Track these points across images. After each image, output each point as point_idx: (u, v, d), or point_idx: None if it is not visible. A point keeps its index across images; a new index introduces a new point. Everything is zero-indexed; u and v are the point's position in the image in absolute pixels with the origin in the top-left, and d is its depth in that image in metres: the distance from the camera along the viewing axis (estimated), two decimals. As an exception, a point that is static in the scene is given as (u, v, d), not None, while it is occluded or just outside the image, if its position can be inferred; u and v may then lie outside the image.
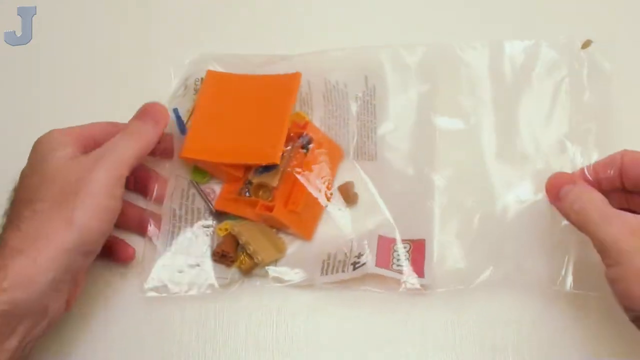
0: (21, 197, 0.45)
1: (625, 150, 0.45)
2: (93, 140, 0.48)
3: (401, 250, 0.51)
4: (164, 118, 0.50)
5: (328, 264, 0.51)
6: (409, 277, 0.50)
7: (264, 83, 0.54)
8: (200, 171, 0.54)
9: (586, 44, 0.54)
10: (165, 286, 0.51)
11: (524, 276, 0.50)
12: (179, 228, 0.52)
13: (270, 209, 0.51)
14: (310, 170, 0.52)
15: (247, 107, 0.53)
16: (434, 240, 0.51)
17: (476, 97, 0.55)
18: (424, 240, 0.51)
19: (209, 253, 0.52)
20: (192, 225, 0.53)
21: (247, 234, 0.51)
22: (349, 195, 0.54)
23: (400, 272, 0.50)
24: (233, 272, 0.51)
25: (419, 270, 0.50)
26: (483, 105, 0.55)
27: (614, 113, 0.52)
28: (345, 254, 0.51)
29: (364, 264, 0.50)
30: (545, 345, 0.50)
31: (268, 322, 0.52)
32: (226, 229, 0.52)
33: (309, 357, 0.51)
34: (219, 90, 0.54)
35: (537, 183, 0.50)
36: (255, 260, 0.51)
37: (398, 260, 0.50)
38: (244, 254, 0.51)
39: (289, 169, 0.51)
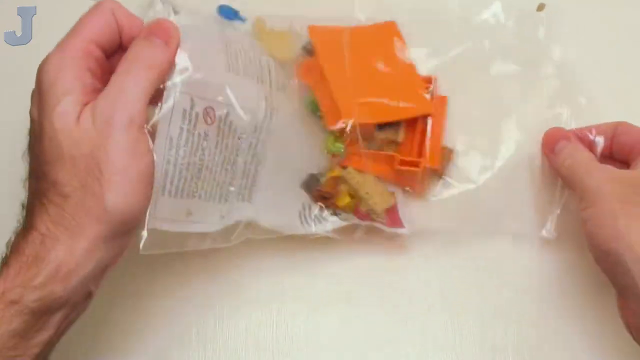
0: (38, 169, 0.39)
1: (621, 122, 0.47)
2: (96, 62, 0.40)
3: None
4: (175, 36, 0.41)
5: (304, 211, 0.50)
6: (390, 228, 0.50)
7: (365, 33, 0.53)
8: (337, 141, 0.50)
9: (540, 7, 0.55)
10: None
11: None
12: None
13: (415, 164, 0.50)
14: (440, 125, 0.52)
15: (366, 61, 0.52)
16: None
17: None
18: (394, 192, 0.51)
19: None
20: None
21: (359, 178, 0.50)
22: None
23: (383, 223, 0.50)
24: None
25: (396, 221, 0.50)
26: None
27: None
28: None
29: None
30: (545, 345, 0.51)
31: (268, 322, 0.52)
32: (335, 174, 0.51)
33: (309, 357, 0.51)
34: (330, 45, 0.52)
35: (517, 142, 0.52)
36: (370, 203, 0.50)
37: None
38: (348, 197, 0.50)
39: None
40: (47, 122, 0.38)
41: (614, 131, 0.47)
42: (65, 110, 0.38)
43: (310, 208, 0.50)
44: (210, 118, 0.41)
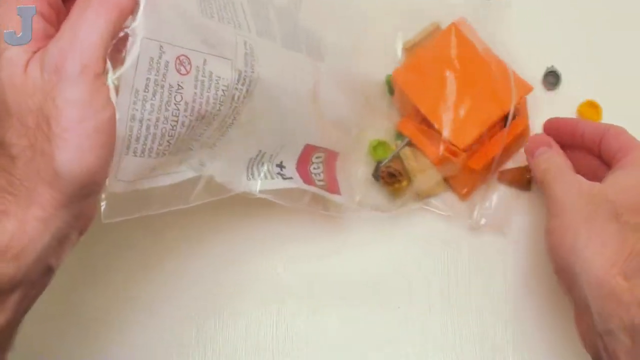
0: None
1: (615, 126, 0.47)
2: (49, 5, 0.35)
3: (315, 160, 0.48)
4: None
5: (254, 162, 0.46)
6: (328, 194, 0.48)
7: (438, 48, 0.51)
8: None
9: None
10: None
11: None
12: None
13: (455, 154, 0.49)
14: (511, 146, 0.51)
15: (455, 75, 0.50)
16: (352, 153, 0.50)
17: None
18: (338, 153, 0.49)
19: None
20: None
21: (414, 163, 0.50)
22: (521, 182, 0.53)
23: (324, 188, 0.47)
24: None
25: (334, 186, 0.48)
26: None
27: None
28: (271, 155, 0.46)
29: (290, 177, 0.47)
30: (545, 345, 0.51)
31: (268, 322, 0.52)
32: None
33: (309, 357, 0.51)
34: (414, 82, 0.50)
35: None
36: (416, 187, 0.50)
37: (317, 173, 0.48)
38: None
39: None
40: None
41: (606, 131, 0.47)
42: (11, 58, 0.33)
43: (261, 161, 0.46)
44: (185, 68, 0.36)
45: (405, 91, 0.50)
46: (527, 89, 0.50)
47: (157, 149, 0.37)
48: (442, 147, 0.49)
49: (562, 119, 0.50)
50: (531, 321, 0.51)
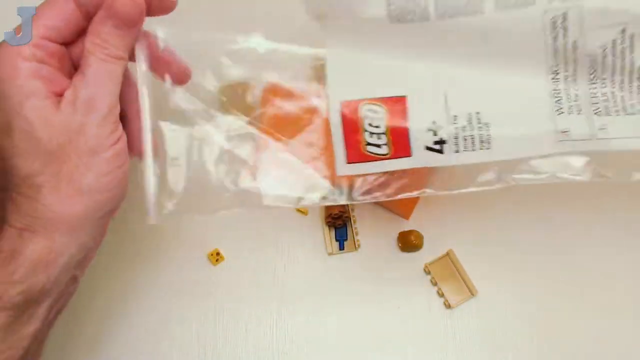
0: (3, 164, 0.38)
1: None
2: (51, 55, 0.39)
3: None
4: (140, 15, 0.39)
5: None
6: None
7: None
8: None
9: None
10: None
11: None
12: None
13: None
14: None
15: None
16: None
17: None
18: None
19: None
20: None
21: None
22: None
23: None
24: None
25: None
26: None
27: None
28: None
29: None
30: (545, 345, 0.51)
31: (268, 322, 0.52)
32: None
33: (309, 357, 0.51)
34: None
35: None
36: None
37: None
38: None
39: None
40: (17, 118, 0.37)
41: None
42: (36, 106, 0.37)
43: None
44: None
45: None
46: None
47: None
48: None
49: None
50: (531, 321, 0.51)
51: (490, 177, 0.43)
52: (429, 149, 0.41)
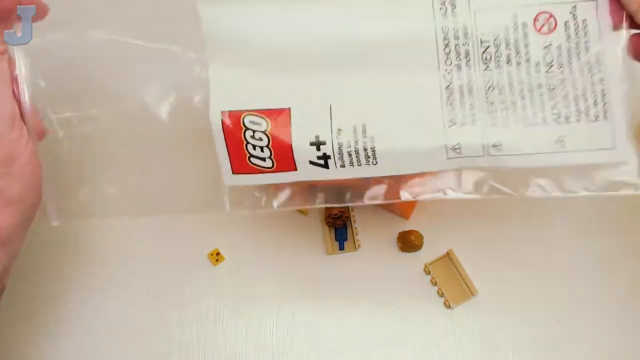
0: None
1: None
2: None
3: None
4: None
5: None
6: None
7: None
8: None
9: None
10: None
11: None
12: None
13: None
14: None
15: None
16: None
17: None
18: None
19: None
20: None
21: None
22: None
23: None
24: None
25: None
26: None
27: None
28: None
29: None
30: (545, 345, 0.51)
31: (268, 322, 0.52)
32: None
33: (309, 357, 0.51)
34: None
35: None
36: None
37: None
38: None
39: None
40: None
41: None
42: None
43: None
44: None
45: None
46: None
47: None
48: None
49: None
50: (531, 321, 0.51)
51: (378, 192, 0.41)
52: (313, 163, 0.39)
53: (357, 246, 0.53)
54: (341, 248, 0.53)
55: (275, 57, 0.39)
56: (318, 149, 0.39)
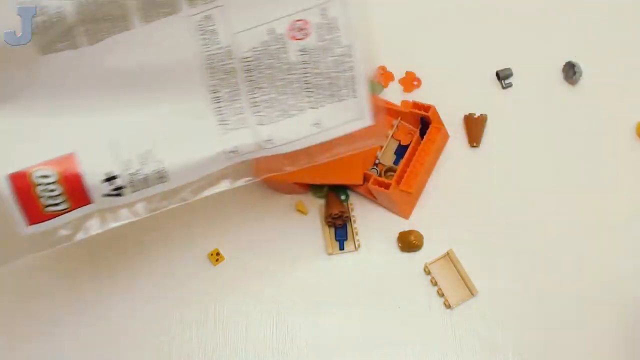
0: None
1: None
2: None
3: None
4: None
5: None
6: None
7: None
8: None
9: None
10: None
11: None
12: None
13: (386, 186, 0.50)
14: (428, 153, 0.52)
15: None
16: None
17: None
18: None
19: None
20: None
21: None
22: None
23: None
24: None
25: None
26: None
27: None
28: None
29: None
30: (545, 345, 0.51)
31: (268, 322, 0.52)
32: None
33: (309, 357, 0.51)
34: None
35: None
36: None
37: None
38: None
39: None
40: None
41: None
42: None
43: None
44: None
45: None
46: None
47: None
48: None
49: None
50: (531, 321, 0.51)
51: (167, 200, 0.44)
52: (108, 195, 0.41)
53: (357, 246, 0.53)
54: (341, 248, 0.53)
55: (54, 102, 0.41)
56: (111, 183, 0.41)
